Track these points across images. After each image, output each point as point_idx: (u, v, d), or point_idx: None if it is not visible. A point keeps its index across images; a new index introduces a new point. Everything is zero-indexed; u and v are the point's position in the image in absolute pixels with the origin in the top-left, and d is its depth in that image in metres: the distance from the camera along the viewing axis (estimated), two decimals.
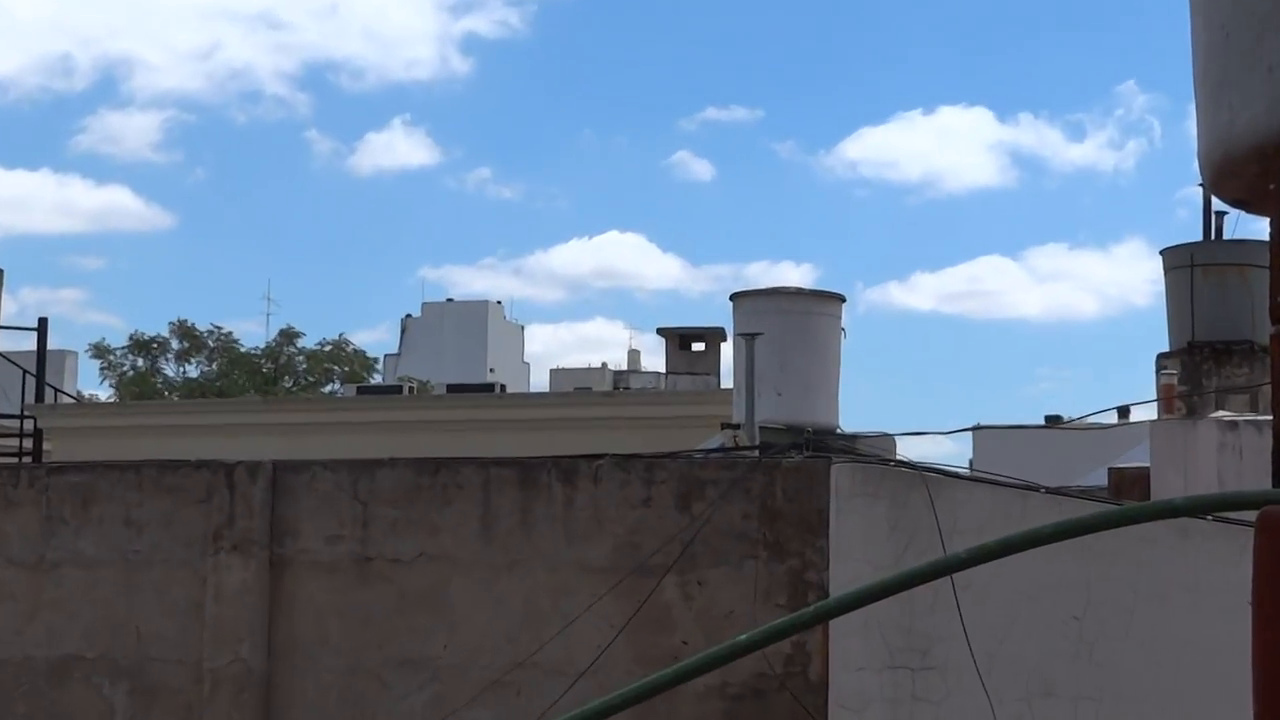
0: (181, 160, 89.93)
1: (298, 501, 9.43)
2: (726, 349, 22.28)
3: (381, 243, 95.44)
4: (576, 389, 36.47)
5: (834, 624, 8.01)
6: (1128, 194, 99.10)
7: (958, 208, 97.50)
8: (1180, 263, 16.06)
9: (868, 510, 8.42)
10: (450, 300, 69.70)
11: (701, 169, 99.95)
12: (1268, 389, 3.47)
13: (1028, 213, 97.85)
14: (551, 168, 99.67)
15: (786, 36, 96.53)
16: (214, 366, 53.11)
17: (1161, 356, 15.98)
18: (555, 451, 9.74)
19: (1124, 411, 17.99)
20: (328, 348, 54.61)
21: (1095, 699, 8.33)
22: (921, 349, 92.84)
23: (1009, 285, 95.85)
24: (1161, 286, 16.53)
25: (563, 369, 56.24)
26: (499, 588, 8.99)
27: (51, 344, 24.67)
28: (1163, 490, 9.78)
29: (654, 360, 48.46)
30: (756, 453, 10.09)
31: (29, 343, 23.47)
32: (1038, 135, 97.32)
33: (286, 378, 53.22)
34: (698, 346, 26.63)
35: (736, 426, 11.98)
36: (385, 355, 61.16)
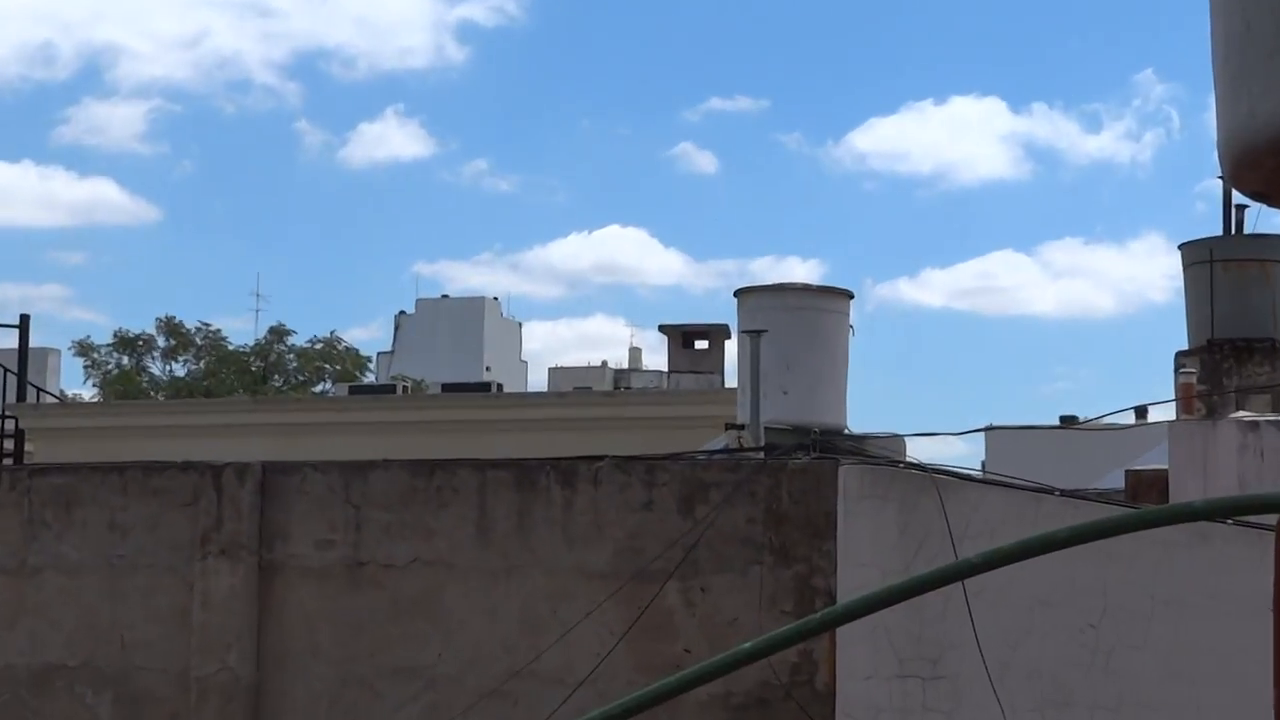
0: (168, 152, 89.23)
1: (288, 504, 9.40)
2: (730, 347, 22.19)
3: (374, 237, 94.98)
4: (576, 388, 36.31)
5: (841, 631, 8.06)
6: (1145, 187, 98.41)
7: (970, 201, 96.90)
8: (1199, 258, 15.93)
9: (877, 513, 8.45)
10: (445, 296, 69.63)
11: (705, 161, 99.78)
12: None
13: (1042, 206, 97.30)
14: (550, 160, 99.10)
15: (793, 24, 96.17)
16: (201, 365, 52.99)
17: (1180, 355, 15.87)
18: (554, 453, 9.73)
19: (1141, 412, 17.86)
20: (319, 346, 54.49)
21: (1112, 709, 8.27)
22: (932, 347, 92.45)
23: (1023, 281, 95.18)
24: (1180, 282, 16.42)
25: (561, 368, 56.30)
26: (496, 594, 8.98)
27: (33, 341, 24.55)
28: (1181, 493, 9.74)
29: (656, 359, 48.44)
30: (761, 454, 10.07)
31: (10, 340, 23.35)
32: (1052, 126, 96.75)
33: (276, 376, 53.11)
34: (701, 345, 26.54)
35: (741, 427, 11.90)
36: (378, 353, 61.29)
